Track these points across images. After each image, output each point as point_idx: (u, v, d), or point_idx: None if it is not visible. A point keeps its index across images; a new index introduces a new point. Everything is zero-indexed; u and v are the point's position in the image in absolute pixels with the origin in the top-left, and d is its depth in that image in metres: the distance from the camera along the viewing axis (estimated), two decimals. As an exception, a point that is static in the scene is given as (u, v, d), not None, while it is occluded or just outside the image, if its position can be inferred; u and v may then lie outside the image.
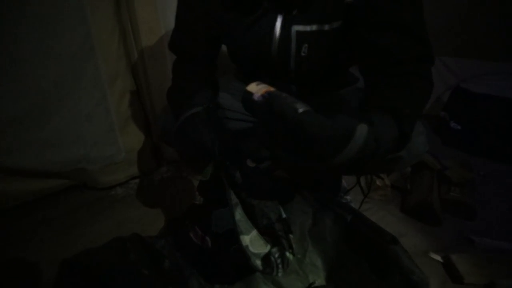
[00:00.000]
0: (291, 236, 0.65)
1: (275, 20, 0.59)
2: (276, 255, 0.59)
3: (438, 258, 0.82)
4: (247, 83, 0.82)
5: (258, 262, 0.56)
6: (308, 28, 0.58)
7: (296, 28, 0.58)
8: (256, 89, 0.51)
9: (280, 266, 0.59)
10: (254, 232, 0.59)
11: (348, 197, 1.01)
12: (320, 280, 0.71)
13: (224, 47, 0.74)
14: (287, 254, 0.63)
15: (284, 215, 0.68)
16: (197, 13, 0.65)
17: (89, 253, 0.63)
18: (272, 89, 0.50)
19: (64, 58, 0.80)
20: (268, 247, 0.59)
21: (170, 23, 0.93)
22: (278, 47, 0.61)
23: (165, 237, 0.77)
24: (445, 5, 1.41)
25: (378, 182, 1.05)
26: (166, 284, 0.62)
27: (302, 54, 0.60)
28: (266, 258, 0.58)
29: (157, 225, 0.89)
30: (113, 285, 0.57)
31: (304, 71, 0.64)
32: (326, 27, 0.58)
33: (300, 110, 0.41)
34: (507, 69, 1.41)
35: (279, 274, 0.58)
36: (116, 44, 0.89)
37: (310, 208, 0.78)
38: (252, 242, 0.59)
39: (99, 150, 0.94)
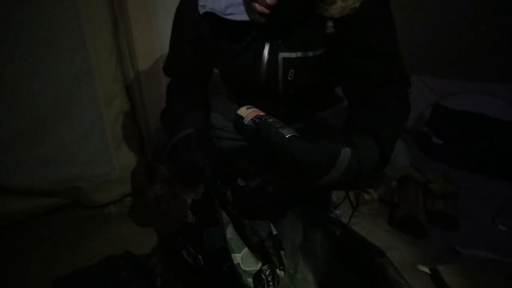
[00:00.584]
0: (282, 252, 0.67)
1: (263, 48, 0.64)
2: (267, 273, 0.61)
3: (426, 270, 0.84)
4: (238, 104, 0.87)
5: (249, 280, 0.58)
6: (293, 55, 0.63)
7: (283, 55, 0.63)
8: (246, 113, 0.54)
9: (271, 283, 0.60)
10: (245, 250, 0.61)
11: (338, 212, 1.03)
12: (311, 295, 0.72)
13: (216, 69, 0.79)
14: (278, 271, 0.64)
15: (274, 232, 0.70)
16: (189, 39, 0.69)
17: (81, 271, 0.63)
18: (262, 113, 0.54)
19: (62, 79, 0.83)
20: (260, 264, 0.61)
21: (166, 47, 0.98)
22: (266, 72, 0.66)
23: (158, 255, 0.77)
24: (425, 29, 1.52)
25: (366, 196, 1.09)
26: (158, 302, 0.62)
27: (289, 78, 0.65)
28: (257, 275, 0.60)
29: (150, 243, 0.89)
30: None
31: (291, 93, 0.69)
32: (310, 53, 0.63)
33: (287, 136, 0.44)
34: (482, 88, 1.51)
35: None
36: (114, 67, 0.93)
37: (300, 224, 0.80)
38: (244, 259, 0.60)
39: (94, 168, 0.95)
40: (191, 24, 0.67)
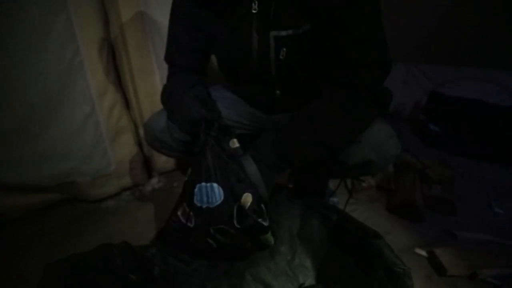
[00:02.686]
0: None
1: (252, 27, 0.63)
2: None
3: (423, 253, 0.85)
4: (235, 92, 0.86)
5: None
6: (284, 33, 0.62)
7: (274, 33, 0.62)
8: None
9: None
10: None
11: (335, 199, 1.04)
12: (310, 280, 0.73)
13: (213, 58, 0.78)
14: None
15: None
16: (184, 26, 0.70)
17: (74, 257, 0.63)
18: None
19: (53, 73, 0.83)
20: None
21: (158, 38, 0.98)
22: (258, 52, 0.65)
23: (157, 246, 0.77)
24: (420, 16, 1.51)
25: (363, 183, 1.09)
26: (155, 290, 0.62)
27: (281, 57, 0.64)
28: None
29: (149, 237, 0.90)
30: (98, 288, 0.58)
31: (284, 74, 0.68)
32: (300, 31, 0.61)
33: None
34: (478, 74, 1.51)
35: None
36: (105, 59, 0.92)
37: (297, 211, 0.80)
38: None
39: (89, 163, 0.95)
40: (184, 10, 0.68)
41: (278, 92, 0.74)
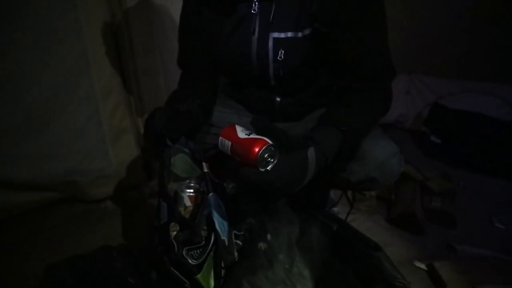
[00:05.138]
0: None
1: (254, 29, 0.64)
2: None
3: (423, 266, 0.84)
4: (236, 98, 0.86)
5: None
6: (283, 35, 0.63)
7: (273, 35, 0.63)
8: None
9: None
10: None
11: (336, 209, 1.03)
12: (308, 290, 0.72)
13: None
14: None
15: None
16: (192, 29, 0.71)
17: (74, 260, 0.63)
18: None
19: (59, 73, 0.83)
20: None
21: (164, 40, 0.99)
22: (257, 53, 0.66)
23: (153, 249, 0.77)
24: (423, 28, 1.53)
25: (364, 194, 1.09)
26: (152, 294, 0.62)
27: (279, 58, 0.64)
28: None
29: (146, 239, 0.89)
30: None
31: (282, 75, 0.67)
32: (299, 34, 0.62)
33: (263, 170, 0.50)
34: (480, 87, 1.51)
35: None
36: (111, 61, 0.93)
37: (297, 219, 0.80)
38: None
39: (90, 163, 0.95)
40: (190, 12, 0.69)
41: (278, 99, 0.74)
